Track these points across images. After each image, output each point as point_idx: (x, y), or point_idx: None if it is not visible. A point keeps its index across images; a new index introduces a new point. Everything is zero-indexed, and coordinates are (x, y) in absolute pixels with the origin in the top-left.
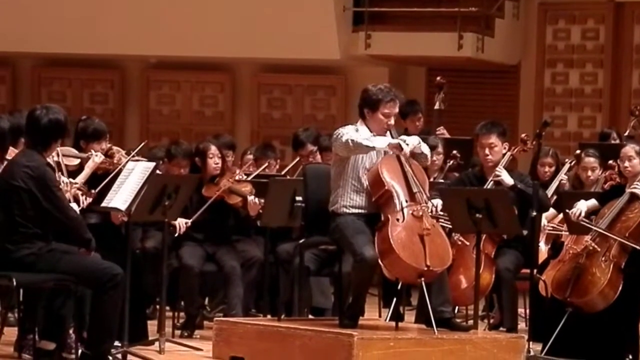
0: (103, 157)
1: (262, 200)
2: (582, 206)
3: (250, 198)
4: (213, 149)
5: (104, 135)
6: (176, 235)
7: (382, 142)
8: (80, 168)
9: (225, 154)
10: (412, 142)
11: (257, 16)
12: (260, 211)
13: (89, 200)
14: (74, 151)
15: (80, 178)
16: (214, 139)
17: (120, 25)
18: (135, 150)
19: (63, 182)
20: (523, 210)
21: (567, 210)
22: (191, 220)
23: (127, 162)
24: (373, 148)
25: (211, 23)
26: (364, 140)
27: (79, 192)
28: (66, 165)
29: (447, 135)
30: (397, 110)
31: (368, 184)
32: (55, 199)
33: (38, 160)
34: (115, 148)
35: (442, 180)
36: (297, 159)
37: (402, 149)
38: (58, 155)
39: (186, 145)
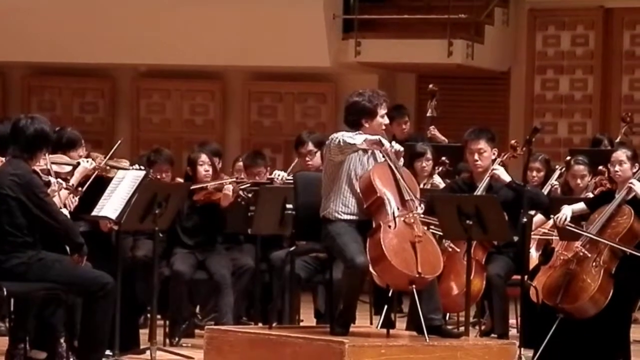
0: (94, 163)
1: (239, 191)
2: (567, 211)
3: (226, 187)
4: (203, 157)
5: (79, 142)
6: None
7: (361, 138)
8: (71, 175)
9: None
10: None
11: (247, 24)
12: (238, 199)
13: (76, 200)
14: (66, 158)
15: (71, 182)
16: (199, 146)
17: (110, 34)
18: (112, 152)
19: (52, 182)
20: (518, 211)
21: (552, 216)
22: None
23: (107, 160)
24: (354, 145)
25: (201, 31)
26: (348, 138)
27: (67, 191)
28: (56, 173)
29: (439, 135)
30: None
31: (360, 191)
32: (44, 204)
33: (24, 168)
34: (93, 154)
35: (441, 183)
36: (296, 160)
37: (382, 144)
38: (47, 163)
39: (167, 152)
